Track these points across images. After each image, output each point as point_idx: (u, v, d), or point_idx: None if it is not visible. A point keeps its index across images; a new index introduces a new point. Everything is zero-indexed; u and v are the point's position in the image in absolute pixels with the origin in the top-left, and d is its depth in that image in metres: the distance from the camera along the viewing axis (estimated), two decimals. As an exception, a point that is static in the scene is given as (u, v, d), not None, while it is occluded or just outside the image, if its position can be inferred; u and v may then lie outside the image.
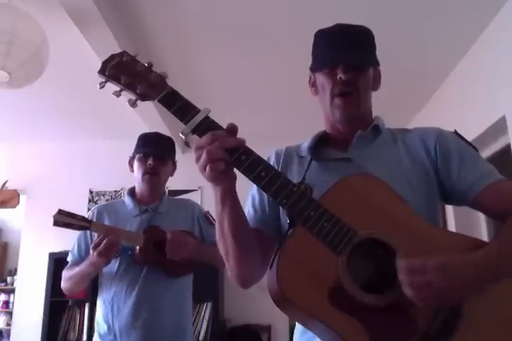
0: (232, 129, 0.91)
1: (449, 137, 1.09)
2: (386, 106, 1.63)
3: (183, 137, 0.90)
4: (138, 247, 1.86)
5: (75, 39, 2.40)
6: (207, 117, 0.91)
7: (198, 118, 0.90)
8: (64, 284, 1.94)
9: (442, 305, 0.87)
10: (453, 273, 0.83)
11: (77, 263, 1.91)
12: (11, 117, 3.81)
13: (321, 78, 1.11)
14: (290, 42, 2.61)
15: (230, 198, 0.94)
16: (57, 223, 1.77)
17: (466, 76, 2.84)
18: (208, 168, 0.86)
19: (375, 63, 1.14)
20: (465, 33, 2.55)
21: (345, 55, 1.07)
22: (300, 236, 0.90)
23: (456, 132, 1.12)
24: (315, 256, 0.88)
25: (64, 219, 1.78)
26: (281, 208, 1.09)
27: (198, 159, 0.88)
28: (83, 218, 1.83)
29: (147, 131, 2.20)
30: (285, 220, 1.03)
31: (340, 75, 1.05)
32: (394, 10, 2.34)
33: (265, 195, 1.09)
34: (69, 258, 1.99)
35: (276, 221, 1.10)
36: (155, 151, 1.97)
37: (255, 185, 0.93)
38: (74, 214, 1.80)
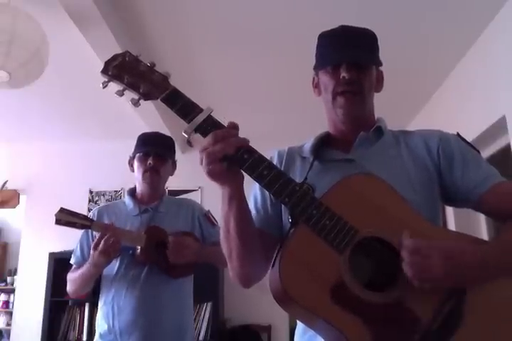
0: (234, 128, 0.91)
1: (452, 139, 1.10)
2: (386, 106, 1.62)
3: (186, 136, 0.91)
4: (139, 247, 1.86)
5: (75, 39, 2.40)
6: (209, 116, 0.91)
7: (201, 117, 0.91)
8: (69, 287, 1.94)
9: (437, 288, 0.87)
10: (455, 261, 0.85)
11: (80, 265, 1.91)
12: (11, 117, 3.81)
13: (324, 77, 1.12)
14: (292, 43, 2.61)
15: (237, 198, 0.94)
16: (59, 221, 1.76)
17: (466, 76, 2.85)
18: (208, 169, 0.87)
19: (378, 63, 1.14)
20: (465, 33, 2.55)
21: (349, 54, 1.07)
22: (302, 235, 0.90)
23: (458, 134, 1.12)
24: (317, 254, 0.88)
25: (66, 218, 1.77)
26: (282, 207, 1.10)
27: (201, 161, 0.88)
28: (85, 217, 1.82)
29: (147, 131, 2.20)
30: (287, 219, 1.03)
31: (343, 74, 1.06)
32: (394, 10, 2.34)
33: (268, 196, 1.10)
34: (72, 261, 1.98)
35: (279, 221, 1.10)
36: (155, 150, 1.97)
37: (257, 186, 0.93)
38: (76, 212, 1.80)
